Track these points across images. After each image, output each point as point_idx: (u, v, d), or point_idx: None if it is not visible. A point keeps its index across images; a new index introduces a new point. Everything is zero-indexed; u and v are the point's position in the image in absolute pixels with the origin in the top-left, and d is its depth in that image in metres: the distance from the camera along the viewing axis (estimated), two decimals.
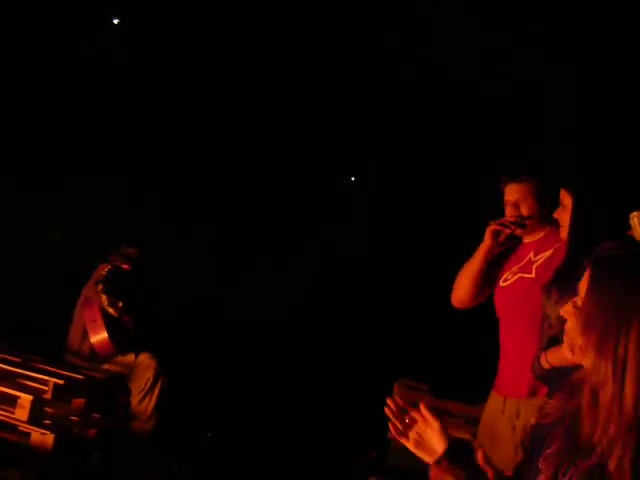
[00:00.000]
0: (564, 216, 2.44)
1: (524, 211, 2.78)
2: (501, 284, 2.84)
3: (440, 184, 6.52)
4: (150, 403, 4.13)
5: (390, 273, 6.83)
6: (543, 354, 2.29)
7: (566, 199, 2.43)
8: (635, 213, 2.07)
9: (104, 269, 4.34)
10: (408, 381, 4.39)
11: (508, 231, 2.78)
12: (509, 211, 2.81)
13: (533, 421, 1.56)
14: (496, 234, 2.78)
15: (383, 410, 1.63)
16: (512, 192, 2.80)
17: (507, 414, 2.69)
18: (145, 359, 4.21)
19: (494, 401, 2.79)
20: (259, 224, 6.79)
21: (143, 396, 4.14)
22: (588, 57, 5.10)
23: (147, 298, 4.56)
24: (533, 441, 1.53)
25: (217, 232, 6.52)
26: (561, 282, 2.29)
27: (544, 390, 2.54)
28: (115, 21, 6.10)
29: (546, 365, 2.27)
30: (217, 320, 5.73)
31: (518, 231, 2.79)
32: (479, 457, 1.53)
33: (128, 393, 4.16)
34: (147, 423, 4.13)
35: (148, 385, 4.14)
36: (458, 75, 5.61)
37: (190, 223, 6.17)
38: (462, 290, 2.88)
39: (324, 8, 5.66)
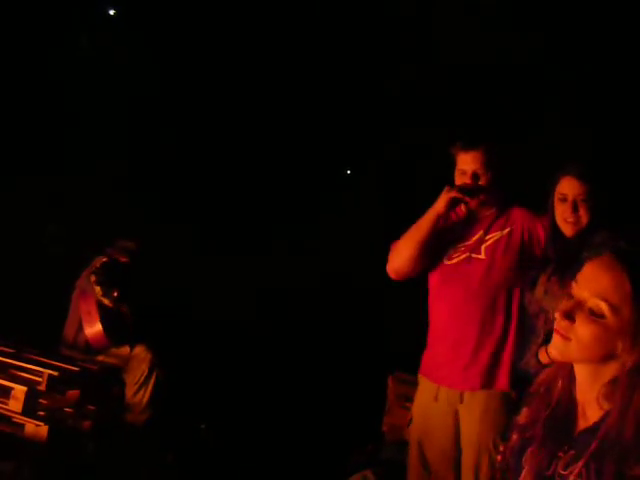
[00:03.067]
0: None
1: (484, 182, 2.49)
2: (445, 261, 2.58)
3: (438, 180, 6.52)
4: (145, 395, 4.13)
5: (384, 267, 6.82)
6: (543, 349, 2.20)
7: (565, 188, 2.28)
8: None
9: (99, 261, 4.33)
10: (403, 374, 4.38)
11: (470, 202, 2.50)
12: (463, 180, 2.52)
13: (514, 437, 1.53)
14: (453, 202, 2.49)
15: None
16: (470, 161, 2.49)
17: (442, 402, 2.54)
18: (141, 351, 4.21)
19: (426, 388, 2.61)
20: (256, 220, 6.79)
21: (138, 388, 4.13)
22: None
23: (144, 291, 4.55)
24: (514, 455, 1.51)
25: (214, 228, 6.52)
26: (561, 274, 2.19)
27: (501, 382, 2.48)
28: (111, 12, 6.07)
29: (547, 361, 2.15)
30: (213, 313, 5.72)
31: (473, 203, 2.52)
32: None
33: (123, 385, 4.16)
34: (141, 415, 4.13)
35: (143, 377, 4.14)
36: (456, 73, 5.61)
37: (187, 219, 6.17)
38: (402, 259, 2.59)
39: (324, 3, 5.65)
